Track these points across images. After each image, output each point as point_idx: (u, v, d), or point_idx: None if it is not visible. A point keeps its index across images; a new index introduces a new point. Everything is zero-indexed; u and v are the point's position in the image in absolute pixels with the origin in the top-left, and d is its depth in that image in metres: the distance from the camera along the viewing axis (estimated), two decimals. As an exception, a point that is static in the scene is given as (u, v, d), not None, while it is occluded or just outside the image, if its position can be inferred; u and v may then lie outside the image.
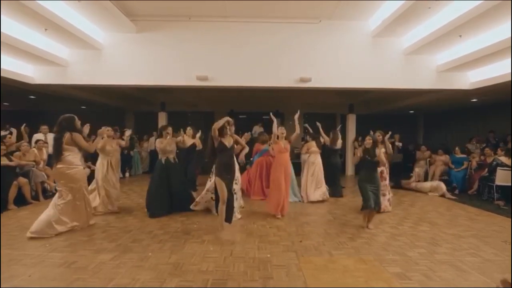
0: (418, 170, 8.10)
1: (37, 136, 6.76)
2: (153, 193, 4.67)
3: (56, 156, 3.79)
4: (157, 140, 4.93)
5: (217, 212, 4.00)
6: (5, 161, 5.15)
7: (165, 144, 4.76)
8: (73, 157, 3.85)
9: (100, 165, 4.81)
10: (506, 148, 6.68)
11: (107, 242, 3.49)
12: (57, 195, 3.87)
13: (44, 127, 6.93)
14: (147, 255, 3.14)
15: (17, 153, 5.65)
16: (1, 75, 5.74)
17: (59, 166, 3.77)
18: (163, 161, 4.79)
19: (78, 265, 2.88)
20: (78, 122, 3.93)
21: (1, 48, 5.14)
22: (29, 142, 6.41)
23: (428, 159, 8.18)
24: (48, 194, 6.00)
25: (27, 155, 5.71)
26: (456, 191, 6.99)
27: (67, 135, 3.79)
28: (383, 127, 4.54)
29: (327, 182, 6.07)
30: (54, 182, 6.20)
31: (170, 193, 4.75)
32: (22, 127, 6.13)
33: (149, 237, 3.69)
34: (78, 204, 3.88)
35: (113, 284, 2.54)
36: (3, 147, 5.24)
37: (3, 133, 5.98)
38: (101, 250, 3.24)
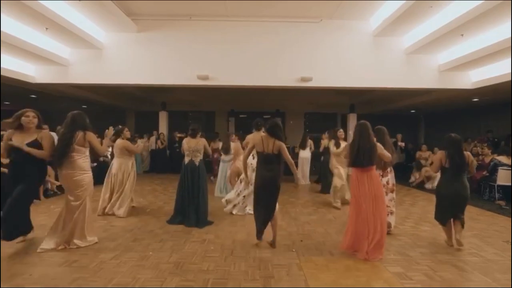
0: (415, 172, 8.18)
1: None
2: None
3: (60, 158, 3.19)
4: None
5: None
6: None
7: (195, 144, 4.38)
8: (83, 161, 3.32)
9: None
10: (502, 148, 6.66)
11: (107, 241, 3.49)
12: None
13: (45, 127, 6.89)
14: (148, 254, 3.14)
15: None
16: (3, 74, 5.75)
17: (66, 171, 3.22)
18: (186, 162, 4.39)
19: (79, 264, 2.88)
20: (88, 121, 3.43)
21: (1, 48, 5.15)
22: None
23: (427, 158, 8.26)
24: (49, 193, 6.01)
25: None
26: None
27: (79, 134, 3.26)
28: (384, 126, 4.49)
29: (320, 179, 6.92)
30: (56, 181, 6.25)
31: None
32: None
33: (150, 236, 3.69)
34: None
35: (113, 283, 2.54)
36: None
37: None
38: (102, 249, 3.24)
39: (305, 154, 7.68)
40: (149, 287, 2.49)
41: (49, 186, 6.08)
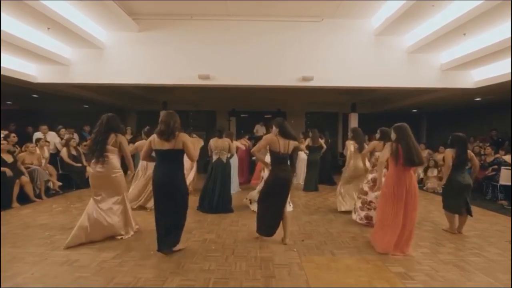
0: (419, 169, 8.13)
1: (37, 135, 6.78)
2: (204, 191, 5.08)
3: (98, 158, 3.40)
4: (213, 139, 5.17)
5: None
6: (10, 160, 5.19)
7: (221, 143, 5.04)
8: (116, 160, 3.54)
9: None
10: (506, 148, 6.63)
11: (109, 240, 3.49)
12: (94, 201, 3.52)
13: (44, 127, 6.94)
14: (149, 253, 3.14)
15: (23, 153, 5.68)
16: (5, 74, 5.77)
17: (100, 170, 3.42)
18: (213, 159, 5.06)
19: (81, 263, 2.89)
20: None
21: (3, 47, 5.16)
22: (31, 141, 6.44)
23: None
24: (51, 193, 6.03)
25: (30, 156, 5.74)
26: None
27: (112, 136, 3.47)
28: (386, 126, 4.48)
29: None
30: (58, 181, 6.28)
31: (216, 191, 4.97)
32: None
33: (151, 236, 3.67)
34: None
35: (115, 282, 2.54)
36: (3, 142, 5.27)
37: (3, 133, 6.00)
38: (103, 249, 3.24)
39: (302, 155, 7.70)
40: (150, 286, 2.49)
41: (51, 185, 6.10)
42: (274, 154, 3.41)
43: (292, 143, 3.43)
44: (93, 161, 3.45)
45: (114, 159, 3.51)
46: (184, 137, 3.04)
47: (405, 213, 3.20)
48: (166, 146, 3.01)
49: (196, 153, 3.11)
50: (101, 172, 3.43)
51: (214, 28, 6.56)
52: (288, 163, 3.49)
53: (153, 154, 3.20)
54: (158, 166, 3.10)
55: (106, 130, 3.45)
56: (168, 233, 3.07)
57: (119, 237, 3.55)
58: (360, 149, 4.82)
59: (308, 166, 7.13)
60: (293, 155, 3.53)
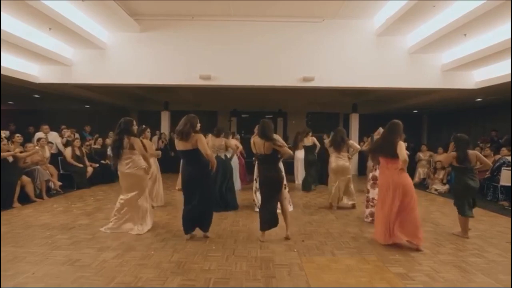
0: (420, 170, 8.13)
1: (39, 135, 6.80)
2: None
3: (115, 159, 3.76)
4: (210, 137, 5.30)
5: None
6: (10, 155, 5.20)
7: (215, 142, 5.19)
8: (138, 158, 3.78)
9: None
10: (506, 142, 6.61)
11: (110, 240, 3.51)
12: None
13: (45, 127, 6.96)
14: (150, 253, 3.15)
15: (24, 153, 5.70)
16: (7, 74, 5.80)
17: (123, 169, 3.73)
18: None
19: (82, 263, 2.90)
20: (135, 127, 3.87)
21: (6, 48, 5.19)
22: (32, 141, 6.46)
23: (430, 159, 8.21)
24: (52, 193, 6.05)
25: (30, 156, 5.76)
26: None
27: (126, 139, 3.71)
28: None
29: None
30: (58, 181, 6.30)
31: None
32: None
33: (152, 236, 3.70)
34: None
35: (116, 282, 2.55)
36: (3, 142, 5.28)
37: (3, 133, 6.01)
38: (104, 248, 3.25)
39: (299, 155, 7.64)
40: (151, 286, 2.50)
41: (52, 185, 6.12)
42: (255, 156, 3.71)
43: (268, 144, 3.46)
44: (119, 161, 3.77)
45: (135, 158, 3.76)
46: (198, 136, 3.36)
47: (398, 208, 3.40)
48: (184, 146, 3.39)
49: (208, 151, 3.42)
50: (123, 171, 3.76)
51: (216, 28, 6.58)
52: (272, 161, 3.57)
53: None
54: (183, 165, 3.61)
55: (120, 133, 3.72)
56: (195, 220, 3.54)
57: (135, 229, 3.77)
58: (335, 148, 5.21)
59: (305, 166, 7.10)
60: (275, 154, 3.54)
